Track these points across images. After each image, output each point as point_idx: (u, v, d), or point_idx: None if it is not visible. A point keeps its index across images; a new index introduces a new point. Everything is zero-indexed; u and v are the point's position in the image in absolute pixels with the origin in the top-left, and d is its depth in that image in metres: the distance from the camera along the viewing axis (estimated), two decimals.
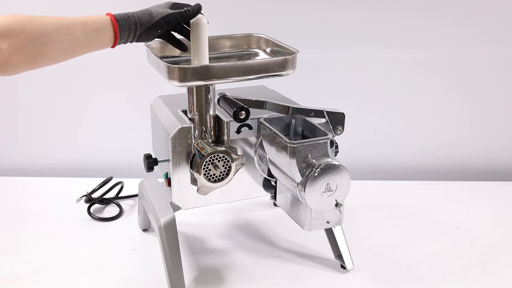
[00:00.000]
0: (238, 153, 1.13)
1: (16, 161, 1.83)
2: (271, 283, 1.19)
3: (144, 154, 1.20)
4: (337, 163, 1.04)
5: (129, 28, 1.01)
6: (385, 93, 1.74)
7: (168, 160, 1.13)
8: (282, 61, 1.09)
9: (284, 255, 1.30)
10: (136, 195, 1.57)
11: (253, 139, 1.16)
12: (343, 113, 1.15)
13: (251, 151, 1.17)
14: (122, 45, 1.04)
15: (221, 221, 1.46)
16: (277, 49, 1.21)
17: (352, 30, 1.67)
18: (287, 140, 1.03)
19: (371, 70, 1.71)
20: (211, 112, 1.12)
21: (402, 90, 1.74)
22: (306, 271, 1.23)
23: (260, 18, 1.66)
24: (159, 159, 1.20)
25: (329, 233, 1.24)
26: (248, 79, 1.08)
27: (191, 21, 1.07)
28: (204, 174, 1.09)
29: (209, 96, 1.10)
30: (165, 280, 1.17)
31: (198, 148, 1.09)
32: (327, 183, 1.04)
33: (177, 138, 1.09)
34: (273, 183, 1.19)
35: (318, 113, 1.13)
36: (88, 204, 1.52)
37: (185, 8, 1.05)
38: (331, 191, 1.05)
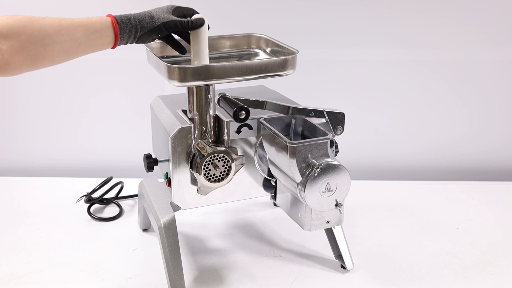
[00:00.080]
0: (238, 153, 1.13)
1: (16, 161, 1.83)
2: (271, 283, 1.19)
3: (144, 154, 1.20)
4: (337, 163, 1.04)
5: (129, 30, 1.01)
6: (385, 93, 1.74)
7: (168, 160, 1.13)
8: (282, 61, 1.09)
9: (284, 255, 1.30)
10: (136, 195, 1.57)
11: (253, 139, 1.16)
12: (343, 113, 1.15)
13: (251, 151, 1.17)
14: (122, 45, 1.04)
15: (221, 221, 1.46)
16: (277, 49, 1.21)
17: (352, 30, 1.67)
18: (287, 140, 1.03)
19: (371, 70, 1.71)
20: (211, 112, 1.12)
21: (402, 90, 1.74)
22: (306, 271, 1.23)
23: (260, 18, 1.66)
24: (159, 159, 1.20)
25: (329, 233, 1.24)
26: (248, 79, 1.08)
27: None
28: (204, 174, 1.09)
29: (209, 96, 1.10)
30: (165, 280, 1.17)
31: (198, 148, 1.09)
32: (327, 183, 1.04)
33: (177, 138, 1.09)
34: (273, 183, 1.19)
35: (318, 113, 1.13)
36: (88, 204, 1.53)
37: (188, 19, 1.05)
38: (331, 191, 1.05)
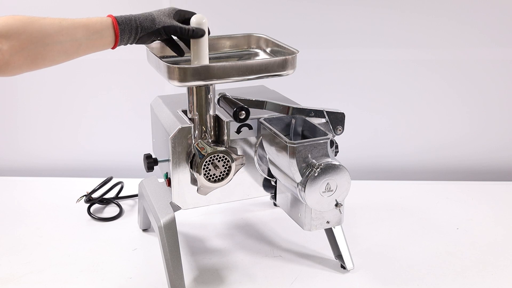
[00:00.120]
0: (238, 153, 1.13)
1: (16, 161, 1.83)
2: (271, 283, 1.19)
3: (144, 154, 1.20)
4: (337, 163, 1.04)
5: (130, 32, 1.01)
6: (385, 93, 1.74)
7: (168, 160, 1.13)
8: (282, 61, 1.09)
9: (284, 255, 1.30)
10: (136, 195, 1.57)
11: (253, 139, 1.16)
12: (343, 113, 1.15)
13: (251, 151, 1.17)
14: (122, 45, 1.04)
15: (221, 221, 1.46)
16: (277, 49, 1.21)
17: (352, 30, 1.67)
18: (287, 140, 1.03)
19: (371, 70, 1.71)
20: (211, 112, 1.12)
21: (402, 90, 1.74)
22: (306, 271, 1.23)
23: (260, 18, 1.66)
24: (159, 159, 1.20)
25: (329, 233, 1.24)
26: (248, 79, 1.08)
27: (191, 20, 1.07)
28: (204, 174, 1.09)
29: (209, 96, 1.10)
30: (165, 280, 1.17)
31: (198, 148, 1.09)
32: (327, 183, 1.04)
33: (177, 138, 1.09)
34: (273, 183, 1.19)
35: (318, 113, 1.13)
36: (88, 204, 1.53)
37: (190, 27, 1.05)
38: (331, 191, 1.05)
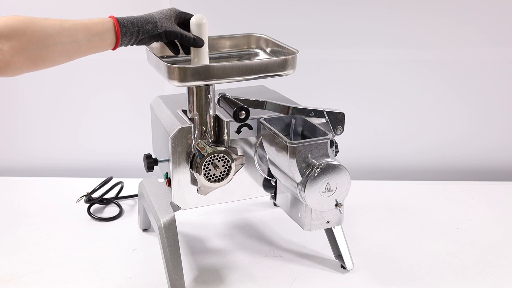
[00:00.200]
0: (238, 153, 1.13)
1: (16, 161, 1.83)
2: (271, 283, 1.19)
3: (144, 154, 1.20)
4: (337, 163, 1.04)
5: (131, 34, 1.01)
6: (385, 93, 1.74)
7: (168, 160, 1.13)
8: (282, 61, 1.09)
9: (284, 255, 1.30)
10: (136, 195, 1.57)
11: (253, 139, 1.16)
12: (343, 113, 1.15)
13: (251, 151, 1.17)
14: (123, 46, 1.04)
15: (221, 221, 1.46)
16: (277, 49, 1.21)
17: (352, 30, 1.67)
18: (287, 140, 1.03)
19: (371, 70, 1.71)
20: (211, 112, 1.12)
21: (402, 90, 1.74)
22: (306, 271, 1.23)
23: (260, 18, 1.66)
24: (159, 159, 1.20)
25: (329, 233, 1.24)
26: (248, 79, 1.08)
27: (191, 20, 1.07)
28: (204, 174, 1.09)
29: (209, 96, 1.10)
30: (165, 280, 1.17)
31: (198, 148, 1.09)
32: (327, 183, 1.04)
33: (177, 138, 1.09)
34: (273, 183, 1.19)
35: (318, 113, 1.13)
36: (88, 204, 1.53)
37: (191, 35, 1.06)
38: (331, 191, 1.05)
